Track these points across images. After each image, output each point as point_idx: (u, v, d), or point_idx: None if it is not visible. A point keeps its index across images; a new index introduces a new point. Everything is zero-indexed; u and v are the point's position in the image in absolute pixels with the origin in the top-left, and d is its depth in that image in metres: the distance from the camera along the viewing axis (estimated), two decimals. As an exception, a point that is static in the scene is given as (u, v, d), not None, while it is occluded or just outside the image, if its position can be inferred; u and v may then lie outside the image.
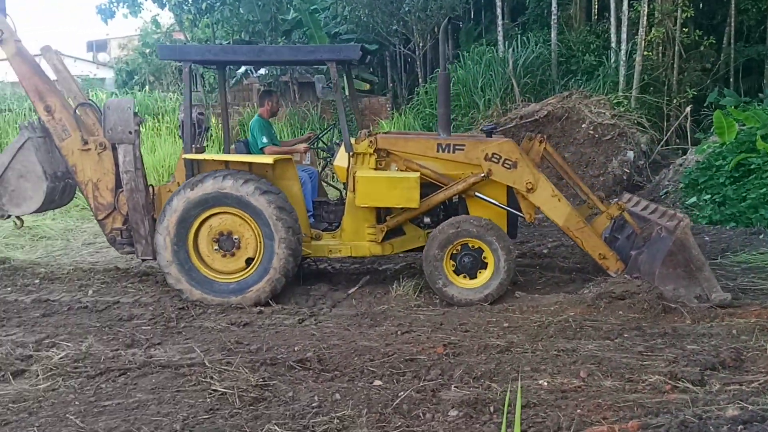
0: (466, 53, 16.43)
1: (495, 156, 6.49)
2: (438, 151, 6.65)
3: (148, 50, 20.84)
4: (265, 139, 7.23)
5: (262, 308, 6.19)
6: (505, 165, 6.48)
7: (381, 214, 6.83)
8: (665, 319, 5.53)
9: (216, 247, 6.57)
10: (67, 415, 4.07)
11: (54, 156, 7.14)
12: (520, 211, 6.66)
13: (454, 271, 6.42)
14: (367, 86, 18.23)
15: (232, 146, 7.53)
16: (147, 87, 18.83)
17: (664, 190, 11.07)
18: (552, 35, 15.53)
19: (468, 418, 3.79)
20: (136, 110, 7.08)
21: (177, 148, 12.59)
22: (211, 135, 13.35)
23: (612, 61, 14.70)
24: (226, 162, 6.72)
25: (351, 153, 6.66)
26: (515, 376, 4.37)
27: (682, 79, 14.58)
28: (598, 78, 14.56)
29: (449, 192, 6.61)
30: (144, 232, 6.85)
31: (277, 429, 3.73)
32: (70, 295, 6.81)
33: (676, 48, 14.38)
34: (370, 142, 6.62)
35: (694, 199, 10.06)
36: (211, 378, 4.51)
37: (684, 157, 11.93)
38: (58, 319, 6.07)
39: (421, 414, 3.89)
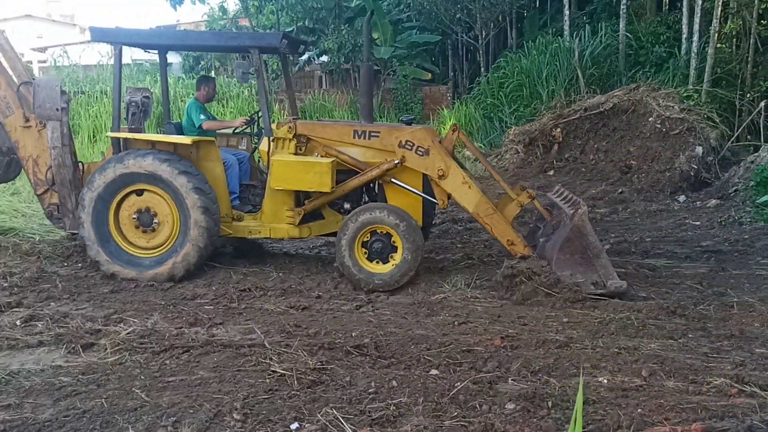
0: (531, 42, 16.17)
1: (408, 143, 6.64)
2: (354, 137, 6.85)
3: (301, 38, 21.26)
4: (202, 116, 7.42)
5: (321, 293, 6.25)
6: (418, 152, 6.63)
7: (300, 197, 7.00)
8: (732, 320, 5.36)
9: (136, 223, 6.81)
10: (133, 389, 4.21)
11: (0, 132, 7.37)
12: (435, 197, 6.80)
13: (367, 258, 6.56)
14: (428, 75, 18.16)
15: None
16: (213, 72, 19.15)
17: (734, 188, 10.69)
18: (620, 25, 15.16)
19: (525, 412, 3.77)
20: (64, 89, 7.29)
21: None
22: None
23: (683, 53, 14.25)
24: (153, 142, 6.95)
25: (271, 138, 6.85)
26: (574, 372, 4.31)
27: (756, 72, 14.03)
28: (668, 70, 14.17)
29: (364, 178, 6.78)
30: (71, 206, 7.09)
31: (335, 413, 3.78)
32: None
33: (752, 40, 13.84)
34: (289, 127, 6.82)
35: (766, 197, 9.68)
36: (271, 359, 4.60)
37: (756, 154, 11.48)
38: (126, 295, 6.27)
39: (477, 405, 3.88)
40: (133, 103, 7.47)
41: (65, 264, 7.29)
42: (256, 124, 7.77)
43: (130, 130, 7.26)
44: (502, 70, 16.43)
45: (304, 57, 19.72)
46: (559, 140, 13.39)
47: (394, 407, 3.85)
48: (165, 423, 3.76)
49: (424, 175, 6.78)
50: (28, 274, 6.78)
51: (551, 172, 12.89)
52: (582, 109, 13.33)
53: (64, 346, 4.93)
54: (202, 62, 20.72)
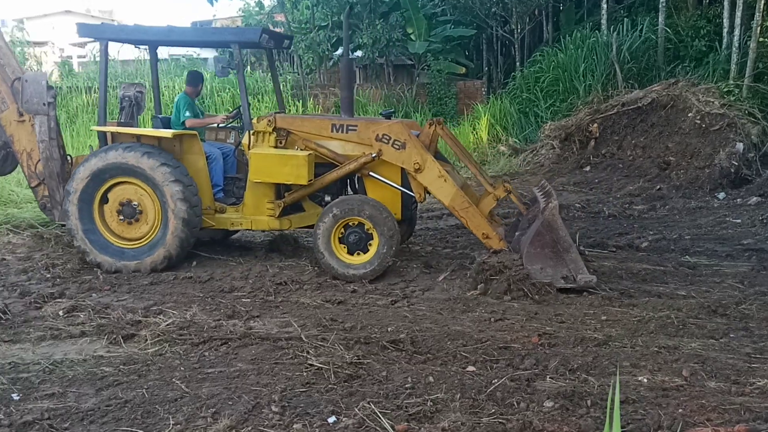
0: (568, 37, 15.98)
1: (385, 137, 6.72)
2: (332, 131, 6.97)
3: (284, 33, 21.37)
4: (188, 113, 7.58)
5: (356, 288, 6.27)
6: (395, 145, 6.70)
7: (280, 190, 7.12)
8: (775, 321, 5.25)
9: (120, 216, 6.99)
10: (173, 380, 4.28)
11: None
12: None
13: (347, 252, 6.69)
14: (463, 70, 18.06)
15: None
16: (248, 68, 19.27)
17: (776, 185, 10.47)
18: (659, 19, 14.88)
19: (564, 411, 3.74)
20: (51, 84, 7.43)
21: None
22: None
23: (723, 47, 13.94)
24: (138, 135, 7.12)
25: (251, 131, 6.96)
26: (613, 371, 4.26)
27: (800, 67, 13.67)
28: (708, 65, 13.86)
29: (342, 171, 6.91)
30: (59, 198, 7.26)
31: (372, 407, 3.80)
32: (175, 265, 7.13)
33: (797, 34, 13.49)
34: (269, 121, 6.94)
35: (809, 195, 9.46)
36: (308, 353, 4.64)
37: (799, 150, 11.23)
38: (165, 287, 6.37)
39: (515, 403, 3.86)
40: (126, 98, 7.77)
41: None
42: (240, 118, 7.87)
43: (122, 124, 7.50)
44: (538, 65, 16.26)
45: (338, 52, 19.75)
46: (596, 136, 13.22)
47: (431, 403, 3.85)
48: (204, 414, 3.82)
49: (403, 169, 6.84)
50: (69, 265, 6.94)
51: (587, 168, 12.74)
52: (619, 104, 13.13)
53: (106, 337, 5.03)
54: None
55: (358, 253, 6.69)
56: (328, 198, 7.18)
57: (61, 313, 5.57)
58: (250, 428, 3.65)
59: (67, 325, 5.28)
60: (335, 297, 6.01)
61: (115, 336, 5.02)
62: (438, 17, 18.79)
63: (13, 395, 4.10)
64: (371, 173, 6.92)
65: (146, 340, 4.96)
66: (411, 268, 6.96)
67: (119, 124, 7.58)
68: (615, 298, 5.80)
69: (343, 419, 3.73)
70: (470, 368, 4.38)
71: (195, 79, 8.04)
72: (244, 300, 5.98)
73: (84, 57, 22.46)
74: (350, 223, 6.68)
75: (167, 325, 5.21)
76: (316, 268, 6.97)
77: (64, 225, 7.40)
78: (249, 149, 6.97)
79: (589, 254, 7.37)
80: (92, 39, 7.48)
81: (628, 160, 12.55)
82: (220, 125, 7.91)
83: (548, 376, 4.22)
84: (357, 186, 7.29)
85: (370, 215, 6.56)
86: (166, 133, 7.07)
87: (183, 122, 7.57)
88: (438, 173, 6.60)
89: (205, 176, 7.17)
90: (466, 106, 17.00)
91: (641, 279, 6.48)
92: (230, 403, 3.95)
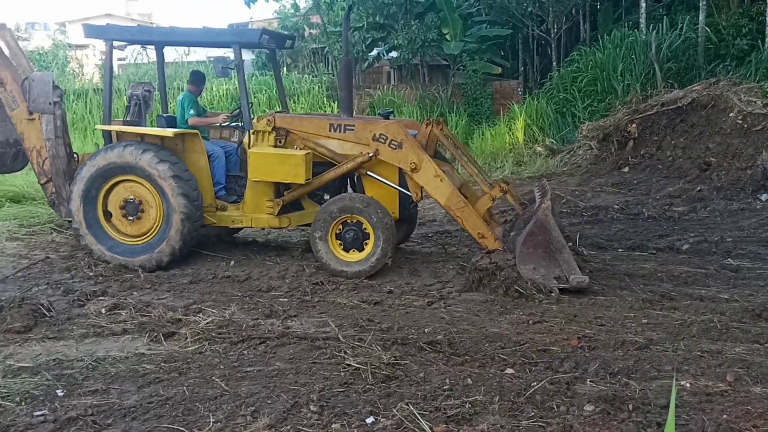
0: (606, 36, 15.78)
1: (382, 136, 6.79)
2: (330, 130, 7.07)
3: (286, 33, 21.49)
4: (192, 111, 7.69)
5: (392, 289, 6.27)
6: (391, 145, 6.76)
7: (280, 189, 7.23)
8: (824, 326, 5.11)
9: (123, 212, 7.14)
10: (213, 378, 4.33)
11: (7, 124, 7.76)
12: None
13: (344, 249, 6.79)
14: (499, 70, 17.94)
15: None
16: (284, 69, 19.42)
17: (821, 187, 10.19)
18: (699, 17, 14.61)
19: (605, 415, 3.69)
20: (57, 84, 7.64)
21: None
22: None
23: (766, 46, 13.63)
24: (141, 134, 7.26)
25: (251, 131, 7.07)
26: (655, 375, 4.20)
27: None
28: (750, 64, 13.55)
29: (339, 170, 7.00)
30: (65, 195, 7.41)
31: (411, 408, 3.79)
32: (214, 264, 7.23)
33: (844, 32, 13.12)
34: (268, 120, 7.05)
35: None
36: (345, 353, 4.65)
37: None
38: (204, 286, 6.46)
39: (554, 406, 3.82)
40: (135, 97, 7.95)
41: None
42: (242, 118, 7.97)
43: (128, 123, 7.68)
44: (576, 64, 16.08)
45: (373, 53, 19.79)
46: (635, 136, 13.01)
47: (470, 405, 3.83)
48: (244, 412, 3.85)
49: (401, 169, 6.88)
50: (111, 264, 7.05)
51: (626, 169, 12.54)
52: (659, 104, 12.90)
53: (147, 335, 5.12)
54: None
55: (355, 251, 6.78)
56: (327, 197, 7.28)
57: (103, 310, 5.67)
58: (289, 427, 3.67)
59: (109, 323, 5.38)
60: (371, 297, 6.02)
61: (156, 334, 5.10)
62: (473, 17, 18.69)
63: (57, 391, 4.19)
64: (369, 172, 7.01)
65: (186, 338, 5.02)
66: (447, 269, 6.95)
67: (125, 123, 7.77)
68: (656, 301, 5.70)
69: (381, 420, 3.73)
70: (509, 371, 4.34)
71: (198, 78, 8.20)
72: (281, 299, 6.03)
73: (124, 59, 22.87)
74: (347, 221, 6.77)
75: (207, 323, 5.27)
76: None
77: (69, 221, 7.58)
78: (249, 148, 7.08)
79: (629, 256, 7.30)
80: (98, 39, 7.70)
81: (667, 160, 12.33)
82: (223, 124, 8.05)
83: (588, 380, 4.17)
84: (356, 185, 7.38)
85: (366, 213, 6.66)
86: (168, 131, 7.21)
87: (185, 121, 7.70)
88: (434, 173, 6.64)
89: (207, 174, 7.30)
90: (502, 107, 16.88)
91: (683, 282, 6.36)
92: (269, 401, 3.98)
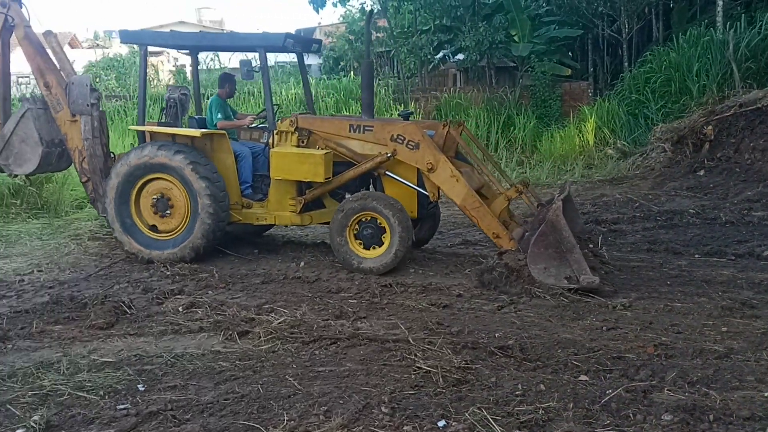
0: (681, 35, 15.32)
1: (400, 137, 6.96)
2: (350, 131, 7.28)
3: (353, 37, 21.71)
4: (219, 115, 7.92)
5: (461, 292, 6.23)
6: (409, 146, 6.93)
7: (302, 187, 7.47)
8: None
9: (153, 209, 7.46)
10: (286, 377, 4.41)
11: (53, 126, 8.14)
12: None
13: (363, 246, 6.98)
14: (568, 71, 17.63)
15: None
16: (352, 73, 19.60)
17: None
18: (782, 14, 14.02)
19: (684, 425, 3.58)
20: (95, 86, 8.05)
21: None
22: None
23: None
24: (173, 134, 7.58)
25: (274, 131, 7.33)
26: (737, 385, 4.06)
27: None
28: (836, 62, 12.94)
29: (359, 170, 7.19)
30: (102, 192, 7.74)
31: (483, 413, 3.77)
32: (284, 265, 7.35)
33: None
34: (291, 121, 7.30)
35: None
36: (415, 355, 4.66)
37: None
38: (275, 287, 6.58)
39: (630, 414, 3.74)
40: (172, 100, 8.25)
41: (220, 255, 7.75)
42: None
43: (162, 124, 8.03)
44: (648, 65, 15.67)
45: (439, 55, 19.75)
46: (711, 138, 12.58)
47: (543, 411, 3.78)
48: (317, 411, 3.90)
49: (419, 169, 7.01)
50: (187, 264, 7.26)
51: (701, 172, 12.14)
52: (737, 105, 12.44)
53: (222, 333, 5.24)
54: (342, 63, 21.30)
55: (373, 247, 6.95)
56: (348, 196, 7.45)
57: (180, 308, 5.84)
58: (361, 428, 3.70)
59: (186, 321, 5.54)
60: (440, 300, 6.01)
61: (230, 332, 5.22)
62: (542, 18, 18.43)
63: (138, 386, 4.34)
64: (388, 172, 7.18)
65: (260, 337, 5.13)
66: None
67: (159, 124, 8.13)
68: (736, 309, 5.50)
69: (453, 423, 3.72)
70: (582, 377, 4.27)
71: (224, 81, 8.41)
72: (350, 301, 6.08)
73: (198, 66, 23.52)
74: (364, 219, 6.94)
75: (279, 323, 5.36)
76: (420, 271, 7.01)
77: (105, 216, 7.88)
78: (272, 148, 7.33)
79: (706, 262, 7.09)
80: (133, 44, 8.01)
81: (746, 163, 11.86)
82: (249, 126, 8.26)
83: (666, 389, 4.05)
84: (376, 184, 7.53)
85: (383, 211, 6.83)
86: (196, 132, 7.52)
87: (214, 124, 7.93)
88: (450, 173, 6.75)
89: (233, 173, 7.58)
90: (571, 108, 16.59)
91: (764, 289, 6.10)
92: (341, 402, 4.02)
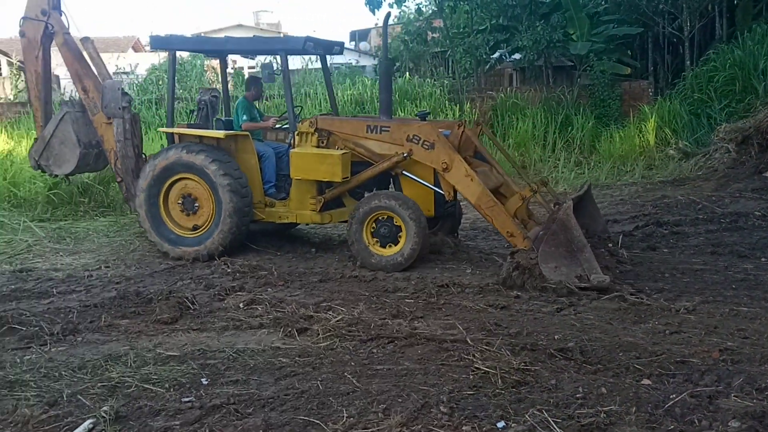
0: (746, 32, 14.85)
1: (415, 137, 7.09)
2: (367, 131, 7.43)
3: (408, 38, 21.72)
4: (245, 117, 8.14)
5: (519, 293, 6.18)
6: (424, 146, 7.05)
7: (322, 187, 7.65)
8: None
9: (181, 207, 7.75)
10: (345, 374, 4.47)
11: (90, 128, 8.58)
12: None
13: (380, 245, 7.13)
14: (628, 70, 17.26)
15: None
16: (407, 74, 19.60)
17: None
18: None
19: (753, 432, 3.49)
20: (126, 90, 8.51)
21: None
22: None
23: None
24: (200, 136, 7.82)
25: (295, 132, 7.54)
26: (809, 394, 3.92)
27: None
28: None
29: (376, 169, 7.35)
30: (134, 191, 8.06)
31: (544, 414, 3.74)
32: (341, 264, 7.44)
33: None
34: (311, 123, 7.52)
35: None
36: (473, 356, 4.65)
37: None
38: (333, 285, 6.66)
39: (696, 420, 3.65)
40: (202, 102, 8.46)
41: (279, 253, 7.90)
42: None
43: (192, 126, 8.32)
44: (712, 63, 15.23)
45: (495, 55, 19.58)
46: (778, 138, 12.16)
47: (605, 415, 3.73)
48: (376, 409, 3.94)
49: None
50: (247, 261, 7.41)
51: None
52: (806, 104, 12.02)
53: (282, 330, 5.34)
54: (397, 63, 21.32)
55: (389, 246, 7.09)
56: (367, 194, 7.58)
57: (241, 305, 5.97)
58: (420, 426, 3.72)
59: (246, 317, 5.66)
60: (498, 302, 5.97)
61: (290, 329, 5.31)
62: (601, 16, 18.09)
63: (202, 380, 4.46)
64: (405, 172, 7.33)
65: (318, 334, 5.20)
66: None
67: (188, 126, 8.40)
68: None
69: (513, 425, 3.71)
70: (645, 381, 4.19)
71: (251, 84, 8.61)
72: (407, 300, 6.10)
73: (254, 68, 23.90)
74: (381, 217, 7.10)
75: (337, 321, 5.43)
76: (477, 272, 6.98)
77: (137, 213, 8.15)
78: (293, 149, 7.57)
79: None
80: (163, 49, 8.34)
81: (816, 165, 11.43)
82: (274, 127, 8.43)
83: (732, 395, 3.95)
84: (394, 184, 7.69)
85: (398, 210, 6.99)
86: (219, 133, 7.78)
87: (241, 125, 8.12)
88: (465, 173, 6.84)
89: (257, 173, 7.78)
90: (631, 108, 16.24)
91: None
92: (399, 400, 4.05)
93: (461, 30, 19.25)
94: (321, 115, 8.25)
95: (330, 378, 4.43)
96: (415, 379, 4.36)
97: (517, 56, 18.90)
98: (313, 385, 4.30)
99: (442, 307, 5.93)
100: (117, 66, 19.80)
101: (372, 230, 7.17)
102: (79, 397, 4.22)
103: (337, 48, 8.67)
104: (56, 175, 9.24)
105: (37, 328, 5.40)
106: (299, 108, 8.90)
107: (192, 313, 5.80)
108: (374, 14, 18.49)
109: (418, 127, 7.19)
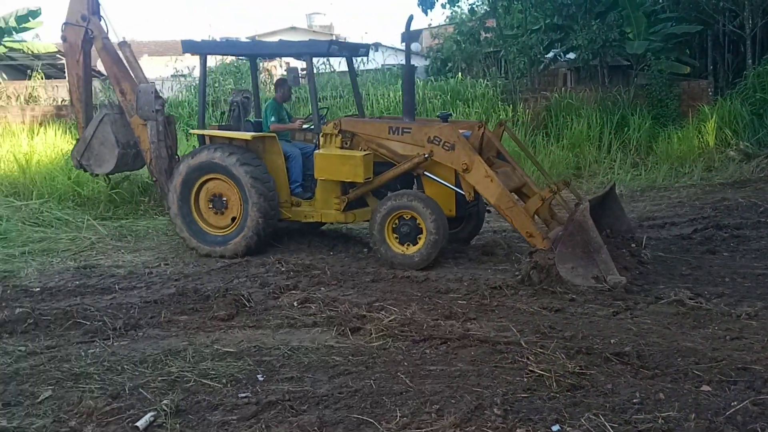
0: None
1: (436, 138, 7.17)
2: (389, 133, 7.54)
3: (461, 38, 21.60)
4: (273, 119, 8.24)
5: (574, 296, 6.09)
6: (445, 147, 7.12)
7: (346, 187, 7.77)
8: None
9: (210, 206, 7.98)
10: (398, 374, 4.50)
11: (128, 129, 8.83)
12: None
13: (399, 242, 7.25)
14: (687, 70, 16.84)
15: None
16: (459, 74, 19.50)
17: None
18: None
19: (819, 443, 3.38)
20: (160, 93, 8.73)
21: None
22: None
23: None
24: (230, 137, 8.02)
25: (320, 133, 7.65)
26: None
27: None
28: None
29: (398, 170, 7.45)
30: (167, 191, 8.27)
31: (600, 419, 3.70)
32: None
33: None
34: (335, 124, 7.64)
35: None
36: (527, 359, 4.63)
37: None
38: (385, 285, 6.69)
39: (759, 429, 3.57)
40: (235, 103, 8.61)
41: (331, 253, 7.98)
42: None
43: (222, 127, 8.57)
44: (775, 62, 14.79)
45: (549, 55, 19.34)
46: None
47: (663, 421, 3.67)
48: (429, 410, 3.96)
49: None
50: (300, 261, 7.51)
51: (835, 176, 11.32)
52: None
53: (335, 328, 5.40)
54: (449, 64, 21.26)
55: (408, 245, 7.21)
56: (390, 194, 7.59)
57: (295, 303, 6.06)
58: (474, 428, 3.73)
59: (301, 315, 5.75)
60: (552, 304, 5.90)
61: (343, 328, 5.37)
62: (658, 15, 17.69)
63: (258, 376, 4.55)
64: (426, 173, 7.39)
65: (371, 333, 5.24)
66: (637, 277, 6.62)
67: (220, 127, 8.64)
68: None
69: (568, 429, 3.68)
70: (705, 388, 4.10)
71: (280, 86, 8.72)
72: (459, 302, 6.09)
73: (304, 69, 24.14)
74: (403, 216, 7.20)
75: (389, 321, 5.47)
76: (530, 274, 6.91)
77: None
78: (318, 150, 7.71)
79: None
80: (194, 53, 8.72)
81: None
82: (302, 128, 8.56)
83: (797, 405, 3.83)
84: (417, 184, 7.78)
85: (418, 209, 7.10)
86: (247, 135, 7.97)
87: (269, 126, 8.23)
88: (484, 173, 6.89)
89: (283, 173, 7.97)
90: (690, 108, 15.85)
91: None
92: (453, 401, 4.06)
93: (515, 30, 19.06)
94: (345, 116, 8.42)
95: (383, 377, 4.46)
96: (468, 380, 4.36)
97: (571, 56, 18.63)
98: (366, 384, 4.34)
99: (495, 309, 5.90)
100: (176, 69, 20.21)
101: (393, 227, 7.29)
102: (141, 390, 4.35)
103: (362, 50, 8.83)
104: (97, 175, 9.55)
105: (100, 323, 5.60)
106: (325, 109, 9.06)
107: (248, 311, 5.91)
108: (427, 14, 18.65)
109: (438, 129, 7.28)
